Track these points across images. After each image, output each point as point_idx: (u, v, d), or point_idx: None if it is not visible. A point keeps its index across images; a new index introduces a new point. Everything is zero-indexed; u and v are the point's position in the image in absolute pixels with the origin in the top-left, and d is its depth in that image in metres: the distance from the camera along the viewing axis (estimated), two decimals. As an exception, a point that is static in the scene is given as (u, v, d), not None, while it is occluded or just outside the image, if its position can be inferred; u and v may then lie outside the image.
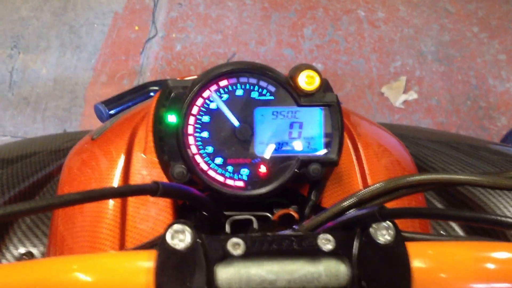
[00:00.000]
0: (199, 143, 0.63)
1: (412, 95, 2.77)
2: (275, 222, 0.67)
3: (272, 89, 0.63)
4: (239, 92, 0.63)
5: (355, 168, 0.74)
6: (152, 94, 1.35)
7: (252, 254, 0.45)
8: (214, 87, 0.62)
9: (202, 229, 0.48)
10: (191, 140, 0.62)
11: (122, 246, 0.64)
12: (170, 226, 0.44)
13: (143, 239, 0.63)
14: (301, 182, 0.68)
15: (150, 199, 0.67)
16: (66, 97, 2.69)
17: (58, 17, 2.94)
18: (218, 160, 0.63)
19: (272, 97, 0.63)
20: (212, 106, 0.62)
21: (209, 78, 0.61)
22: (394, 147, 0.82)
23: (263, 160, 0.64)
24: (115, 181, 0.68)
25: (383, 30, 3.01)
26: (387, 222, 0.47)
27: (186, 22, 2.98)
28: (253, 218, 0.67)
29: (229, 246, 0.45)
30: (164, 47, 2.88)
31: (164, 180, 0.66)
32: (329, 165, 0.65)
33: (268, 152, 0.64)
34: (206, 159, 0.63)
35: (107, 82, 2.74)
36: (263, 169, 0.64)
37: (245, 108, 0.63)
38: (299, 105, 0.63)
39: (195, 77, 0.64)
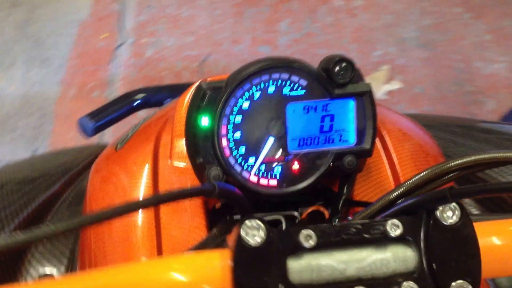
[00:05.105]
0: (232, 144, 0.63)
1: (396, 84, 2.66)
2: (304, 220, 0.67)
3: (304, 83, 0.63)
4: (271, 89, 0.62)
5: (383, 157, 0.73)
6: (138, 102, 1.29)
7: (322, 245, 0.45)
8: (247, 86, 0.62)
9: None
10: (224, 141, 0.62)
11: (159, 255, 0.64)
12: (243, 222, 0.45)
13: (180, 246, 0.64)
14: (335, 176, 0.68)
15: (181, 206, 0.67)
16: (35, 114, 2.59)
17: (21, 30, 2.84)
18: (251, 160, 0.64)
19: (303, 91, 0.63)
20: (245, 105, 0.62)
21: (243, 77, 0.61)
22: (413, 130, 0.81)
23: (296, 157, 0.64)
24: (145, 190, 0.69)
25: (362, 19, 2.89)
26: (453, 203, 0.47)
27: (156, 25, 2.87)
28: (282, 218, 0.68)
29: (301, 238, 0.45)
30: (135, 54, 2.77)
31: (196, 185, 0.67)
32: (363, 156, 0.65)
33: (300, 148, 0.64)
34: (239, 160, 0.63)
35: (77, 95, 2.63)
36: (296, 165, 0.64)
37: (277, 104, 0.63)
38: (332, 97, 0.63)
39: (226, 77, 0.63)
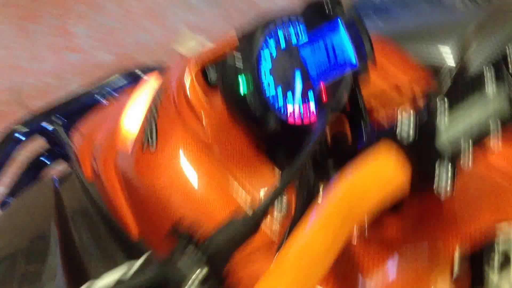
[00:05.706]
0: (273, 89, 0.70)
1: (203, 40, 2.85)
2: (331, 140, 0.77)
3: (303, 28, 0.72)
4: (283, 44, 0.71)
5: None
6: (21, 138, 1.22)
7: (450, 106, 0.53)
8: (264, 45, 0.69)
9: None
10: (266, 91, 0.69)
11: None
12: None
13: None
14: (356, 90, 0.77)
15: (248, 161, 0.73)
16: None
17: None
18: (290, 96, 0.71)
19: (306, 37, 0.71)
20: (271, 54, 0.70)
21: (262, 36, 0.68)
22: None
23: (323, 88, 0.72)
24: (216, 161, 0.72)
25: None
26: None
27: None
28: None
29: (436, 111, 0.52)
30: None
31: (237, 139, 0.72)
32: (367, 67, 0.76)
33: (321, 81, 0.72)
34: (281, 100, 0.71)
35: None
36: (325, 97, 0.73)
37: (292, 52, 0.71)
38: (328, 31, 0.71)
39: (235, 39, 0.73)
